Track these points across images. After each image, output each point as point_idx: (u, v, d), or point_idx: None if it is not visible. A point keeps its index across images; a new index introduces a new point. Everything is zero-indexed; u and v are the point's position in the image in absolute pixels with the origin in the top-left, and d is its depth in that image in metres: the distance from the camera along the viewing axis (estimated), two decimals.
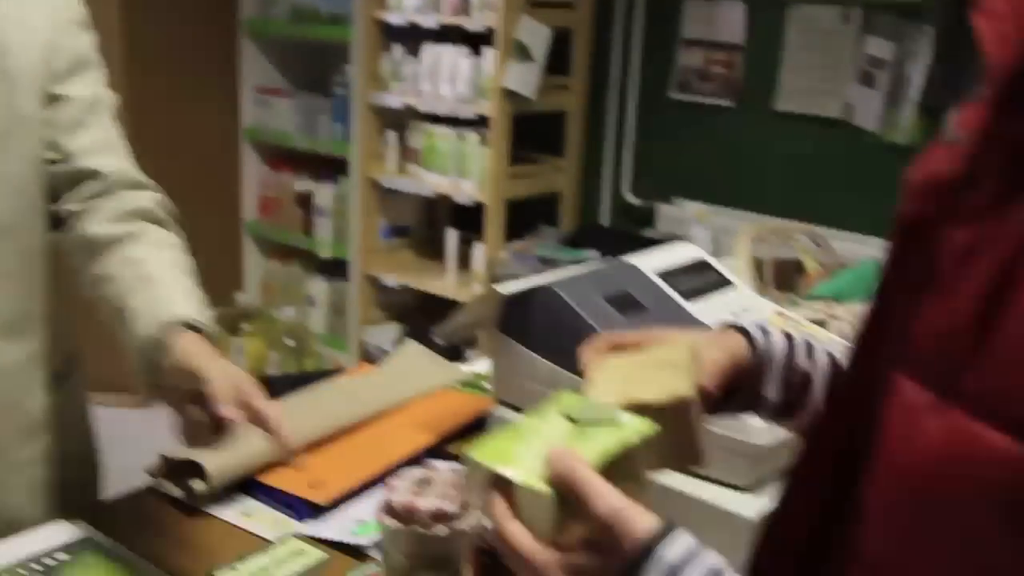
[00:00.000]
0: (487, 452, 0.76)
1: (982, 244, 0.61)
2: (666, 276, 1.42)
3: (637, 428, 0.77)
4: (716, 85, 3.26)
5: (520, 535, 0.73)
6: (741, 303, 1.46)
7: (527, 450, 0.75)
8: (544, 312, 1.31)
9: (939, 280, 0.65)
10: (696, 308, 1.40)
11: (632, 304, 1.34)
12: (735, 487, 1.25)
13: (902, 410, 0.66)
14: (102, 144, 1.33)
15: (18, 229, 1.27)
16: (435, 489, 1.11)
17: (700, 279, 1.47)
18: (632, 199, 3.49)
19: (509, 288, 1.31)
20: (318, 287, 4.06)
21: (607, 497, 0.69)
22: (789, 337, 0.95)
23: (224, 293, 4.10)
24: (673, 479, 1.24)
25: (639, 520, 0.68)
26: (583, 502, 0.69)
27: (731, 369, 0.90)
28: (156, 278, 1.24)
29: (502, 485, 0.74)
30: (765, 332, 0.94)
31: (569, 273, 1.38)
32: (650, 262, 1.45)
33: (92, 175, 1.31)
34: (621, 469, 0.73)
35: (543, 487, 0.71)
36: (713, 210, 3.23)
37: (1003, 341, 0.58)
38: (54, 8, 1.29)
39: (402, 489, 1.10)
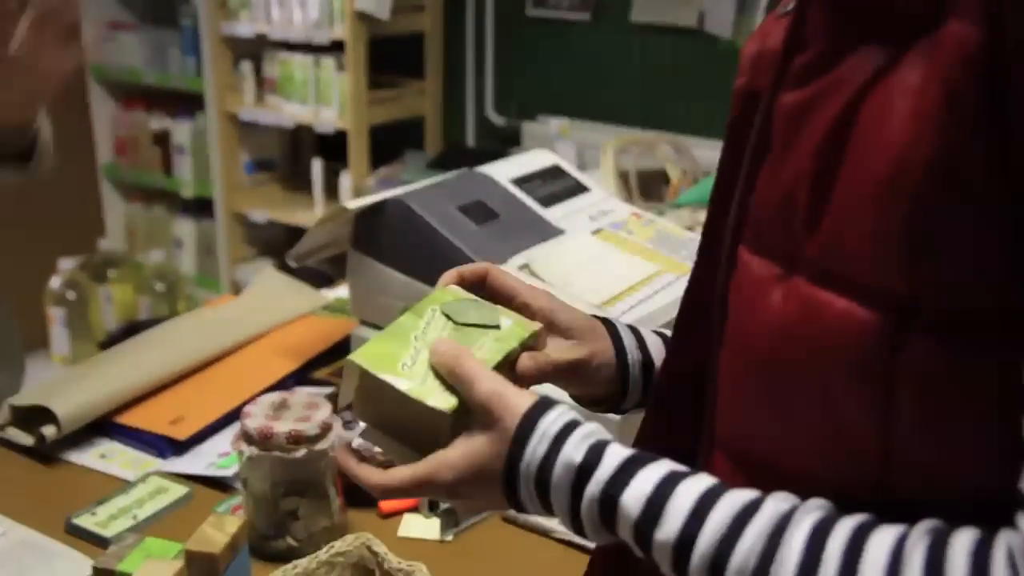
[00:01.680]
0: (370, 357, 0.71)
1: (813, 102, 0.60)
2: (520, 183, 1.41)
3: (516, 332, 0.74)
4: None
5: (391, 475, 0.71)
6: (598, 207, 1.46)
7: (412, 355, 0.71)
8: (396, 225, 1.28)
9: (774, 146, 0.64)
10: (552, 214, 1.39)
11: (485, 212, 1.32)
12: None
13: (748, 284, 0.65)
14: None
15: None
16: (292, 412, 1.09)
17: (555, 185, 1.46)
18: (496, 119, 3.46)
19: (358, 203, 1.28)
20: (184, 228, 3.94)
21: (488, 381, 0.68)
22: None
23: (86, 240, 3.95)
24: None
25: (518, 397, 0.67)
26: (465, 388, 0.68)
27: (568, 371, 0.80)
28: None
29: (389, 393, 0.70)
30: (640, 340, 0.85)
31: (420, 185, 1.36)
32: (504, 170, 1.43)
33: None
34: (502, 372, 0.71)
35: (441, 403, 0.68)
36: (577, 125, 3.23)
37: (838, 199, 0.57)
38: None
39: (257, 414, 1.07)
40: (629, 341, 0.83)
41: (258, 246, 3.78)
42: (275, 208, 3.59)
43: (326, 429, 1.08)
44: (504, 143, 3.42)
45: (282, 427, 1.05)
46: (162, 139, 3.84)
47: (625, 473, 0.62)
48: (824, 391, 0.59)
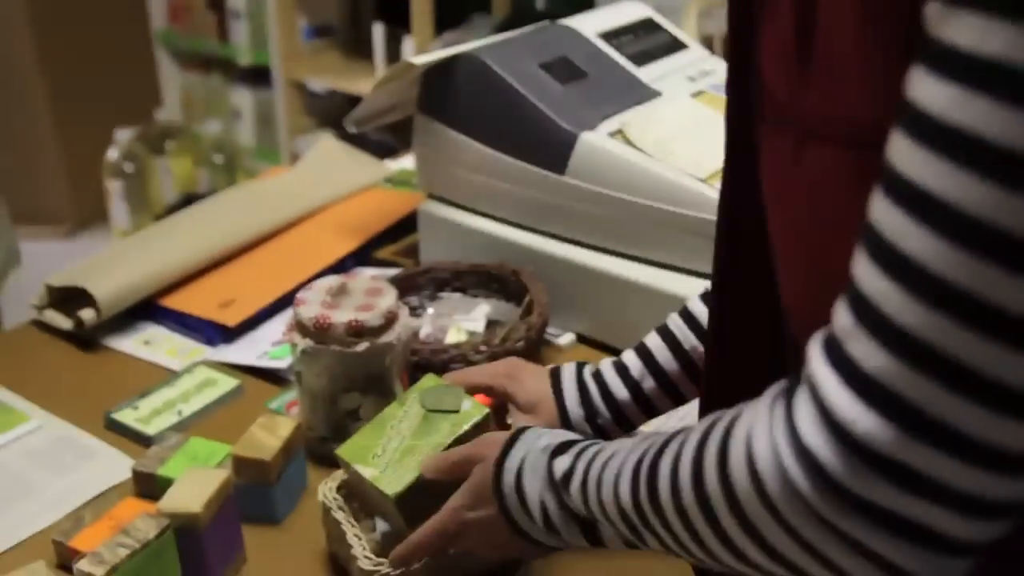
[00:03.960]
0: (351, 449, 0.83)
1: None
2: (609, 38, 1.23)
3: (470, 415, 0.83)
4: None
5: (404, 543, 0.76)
6: (697, 66, 1.28)
7: (384, 444, 0.82)
8: (470, 85, 1.11)
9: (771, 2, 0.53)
10: (646, 74, 1.21)
11: (571, 71, 1.15)
12: (696, 273, 1.10)
13: (771, 167, 0.55)
14: None
15: None
16: (352, 299, 0.95)
17: (648, 41, 1.28)
18: None
19: (426, 59, 1.12)
20: (241, 97, 3.79)
21: (459, 449, 0.77)
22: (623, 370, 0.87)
23: (143, 110, 3.82)
24: (629, 269, 1.09)
25: (490, 445, 0.72)
26: (447, 468, 0.76)
27: None
28: None
29: (360, 478, 0.81)
30: (584, 394, 0.87)
31: (497, 39, 1.18)
32: (590, 23, 1.25)
33: None
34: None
35: (388, 488, 0.79)
36: None
37: (821, 48, 0.48)
38: None
39: (313, 302, 0.94)
40: (572, 400, 0.87)
41: (317, 116, 3.63)
42: (335, 76, 3.42)
43: (391, 319, 0.94)
44: (577, 5, 3.19)
45: (341, 317, 0.91)
46: (217, 3, 3.67)
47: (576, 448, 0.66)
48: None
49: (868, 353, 0.42)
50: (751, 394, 0.52)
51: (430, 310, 1.17)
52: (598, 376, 0.87)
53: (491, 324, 1.15)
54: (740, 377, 0.65)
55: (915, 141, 0.40)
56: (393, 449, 0.82)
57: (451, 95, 1.14)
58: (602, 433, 0.86)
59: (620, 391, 0.86)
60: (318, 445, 0.97)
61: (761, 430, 0.47)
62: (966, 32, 0.38)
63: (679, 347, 0.85)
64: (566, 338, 1.15)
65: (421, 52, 3.09)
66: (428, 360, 1.03)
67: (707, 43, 2.35)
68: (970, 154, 0.38)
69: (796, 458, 0.44)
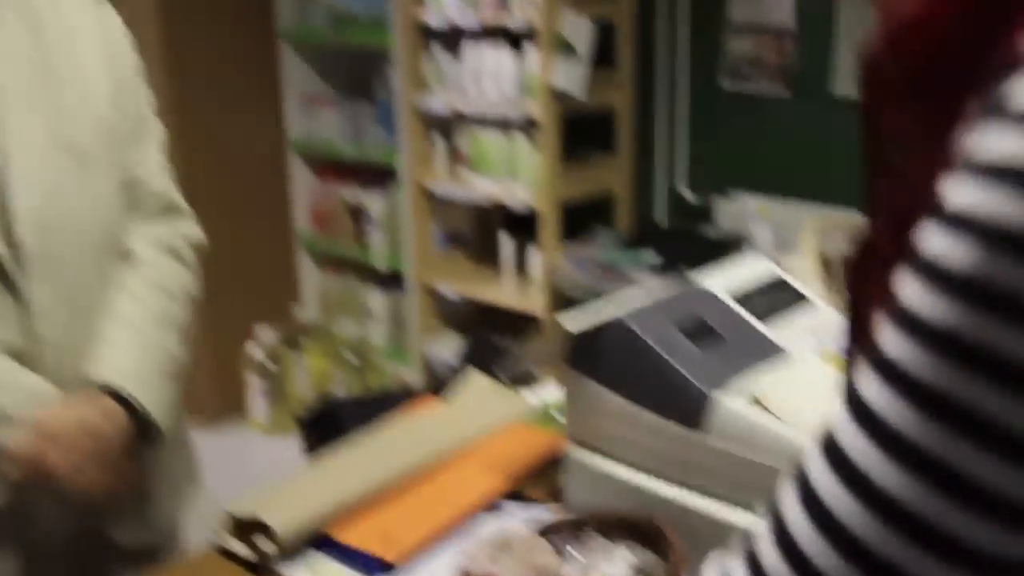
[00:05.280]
0: None
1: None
2: (743, 301, 1.35)
3: None
4: (769, 71, 3.15)
5: None
6: (819, 320, 1.38)
7: None
8: (616, 347, 1.23)
9: (891, 167, 0.62)
10: (774, 331, 1.32)
11: (707, 333, 1.26)
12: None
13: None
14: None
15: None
16: (514, 555, 1.05)
17: (778, 299, 1.39)
18: (688, 195, 3.39)
19: (577, 324, 1.24)
20: (376, 299, 4.01)
21: None
22: None
23: (282, 307, 4.08)
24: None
25: None
26: None
27: None
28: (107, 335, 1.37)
29: None
30: None
31: (639, 303, 1.31)
32: (724, 283, 1.37)
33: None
34: None
35: None
36: (774, 203, 3.12)
37: None
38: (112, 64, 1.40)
39: (479, 557, 1.04)
40: None
41: (447, 320, 3.81)
42: (465, 282, 3.62)
43: None
44: (696, 220, 3.35)
45: (505, 574, 1.01)
46: (356, 211, 3.94)
47: None
48: None
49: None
50: None
51: (573, 553, 1.26)
52: None
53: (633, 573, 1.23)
54: None
55: (849, 416, 0.53)
56: None
57: (599, 354, 1.26)
58: None
59: None
60: None
61: None
62: (890, 343, 0.50)
63: None
64: None
65: (548, 263, 3.27)
66: None
67: (824, 262, 2.43)
68: (888, 439, 0.50)
69: None
